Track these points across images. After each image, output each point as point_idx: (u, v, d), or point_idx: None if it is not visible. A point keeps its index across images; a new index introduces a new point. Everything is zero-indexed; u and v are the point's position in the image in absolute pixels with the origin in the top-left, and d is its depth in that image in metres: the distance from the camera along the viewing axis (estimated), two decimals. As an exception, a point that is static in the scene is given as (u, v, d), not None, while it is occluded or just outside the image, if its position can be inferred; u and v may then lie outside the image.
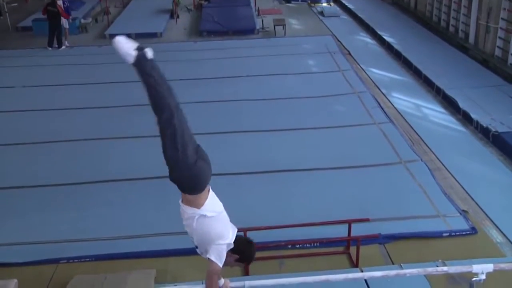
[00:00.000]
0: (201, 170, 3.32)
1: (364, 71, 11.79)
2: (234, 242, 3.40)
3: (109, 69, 12.10)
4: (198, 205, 3.34)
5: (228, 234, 3.37)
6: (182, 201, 3.41)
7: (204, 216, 3.33)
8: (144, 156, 7.82)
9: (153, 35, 15.28)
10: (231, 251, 3.41)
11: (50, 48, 14.02)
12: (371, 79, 11.22)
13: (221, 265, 3.32)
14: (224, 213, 3.46)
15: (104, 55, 13.31)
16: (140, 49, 3.13)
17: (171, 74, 12.97)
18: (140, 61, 3.12)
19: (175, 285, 4.66)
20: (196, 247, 3.49)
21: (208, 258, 3.32)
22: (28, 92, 10.81)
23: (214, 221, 3.35)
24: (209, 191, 3.43)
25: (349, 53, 13.15)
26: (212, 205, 3.38)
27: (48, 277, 5.34)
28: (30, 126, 9.03)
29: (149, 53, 3.15)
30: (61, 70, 12.39)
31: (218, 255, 3.30)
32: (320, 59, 12.65)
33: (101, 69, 12.16)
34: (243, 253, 3.46)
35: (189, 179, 3.29)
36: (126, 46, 3.11)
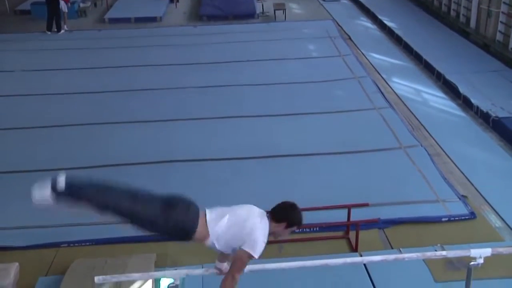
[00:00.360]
0: (176, 219, 3.33)
1: (365, 56, 11.74)
2: (274, 211, 3.39)
3: (109, 54, 12.07)
4: (206, 237, 3.36)
5: (255, 222, 3.35)
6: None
7: (218, 237, 3.34)
8: (144, 141, 7.84)
9: (152, 19, 15.19)
10: (276, 222, 3.38)
11: (49, 32, 13.93)
12: (371, 64, 11.18)
13: (256, 256, 3.30)
14: (236, 212, 3.44)
15: (104, 40, 13.26)
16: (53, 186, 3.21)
17: (171, 59, 13.05)
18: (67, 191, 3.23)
19: (175, 269, 4.68)
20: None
21: (239, 248, 3.31)
22: (27, 76, 10.77)
23: (232, 229, 3.35)
24: (205, 215, 3.41)
25: (350, 38, 13.08)
26: (215, 223, 3.37)
27: (49, 260, 5.38)
28: (29, 111, 9.01)
29: (60, 181, 3.22)
30: (60, 54, 12.33)
31: (252, 245, 3.28)
32: (321, 44, 12.60)
33: (100, 54, 12.11)
34: (288, 217, 3.41)
35: (175, 231, 3.36)
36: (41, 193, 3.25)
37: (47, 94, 9.76)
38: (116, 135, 8.06)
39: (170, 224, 3.32)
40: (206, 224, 3.36)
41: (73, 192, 3.25)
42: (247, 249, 3.28)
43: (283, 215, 3.40)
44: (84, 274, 4.86)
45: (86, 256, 5.31)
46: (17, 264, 4.54)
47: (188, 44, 12.76)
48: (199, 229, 3.34)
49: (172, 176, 6.82)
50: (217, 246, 3.37)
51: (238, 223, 3.35)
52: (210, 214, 3.41)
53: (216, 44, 12.67)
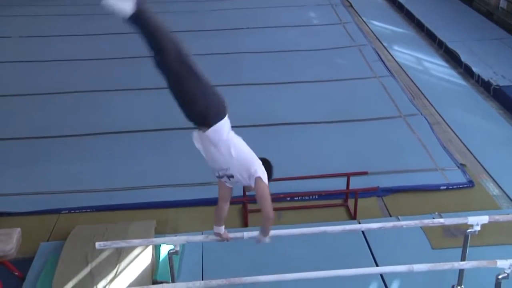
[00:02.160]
0: (218, 92, 3.34)
1: (366, 23, 11.61)
2: None
3: (109, 20, 11.82)
4: (227, 129, 3.31)
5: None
6: (206, 131, 3.32)
7: (238, 137, 3.32)
8: (144, 108, 7.81)
9: (151, -15, 14.93)
10: None
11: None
12: (372, 32, 11.07)
13: (267, 183, 3.26)
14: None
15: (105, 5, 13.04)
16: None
17: (170, 26, 12.77)
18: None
19: (175, 236, 4.73)
20: (229, 178, 3.37)
21: (257, 177, 3.23)
22: (25, 43, 10.66)
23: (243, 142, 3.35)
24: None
25: (351, 5, 12.91)
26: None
27: (50, 226, 5.43)
28: (28, 77, 8.95)
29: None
30: (59, 20, 12.17)
31: (263, 172, 3.26)
32: (321, 11, 12.43)
33: (101, 20, 11.90)
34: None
35: (218, 102, 3.31)
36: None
37: (45, 61, 9.68)
38: (116, 103, 8.02)
39: (212, 88, 3.30)
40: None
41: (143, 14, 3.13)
42: (259, 175, 3.24)
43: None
44: (85, 240, 4.92)
45: (86, 223, 5.36)
46: (19, 229, 4.58)
47: (187, 11, 12.58)
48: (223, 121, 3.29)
49: (171, 143, 6.82)
50: (232, 151, 3.28)
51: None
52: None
53: (215, 11, 12.50)
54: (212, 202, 4.53)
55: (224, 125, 3.30)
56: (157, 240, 4.44)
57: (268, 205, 3.26)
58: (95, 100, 8.13)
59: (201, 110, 3.29)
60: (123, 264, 4.66)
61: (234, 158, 3.28)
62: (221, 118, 3.29)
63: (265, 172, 3.29)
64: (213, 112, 3.29)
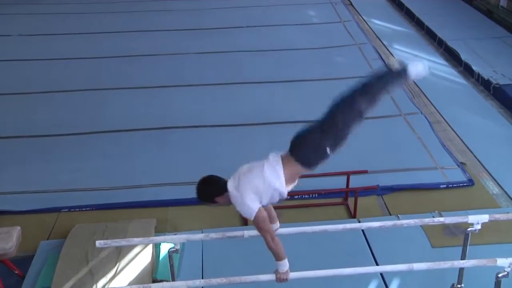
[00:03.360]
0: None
1: (366, 22, 11.60)
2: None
3: (108, 18, 11.92)
4: (290, 180, 3.36)
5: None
6: (281, 167, 3.37)
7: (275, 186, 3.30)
8: (143, 107, 7.81)
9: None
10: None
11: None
12: (372, 31, 11.06)
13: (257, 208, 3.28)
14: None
15: (103, 4, 13.03)
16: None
17: (169, 25, 12.88)
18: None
19: (175, 234, 4.73)
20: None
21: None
22: (25, 41, 10.65)
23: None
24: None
25: (351, 3, 12.90)
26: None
27: (50, 225, 5.43)
28: (27, 76, 8.95)
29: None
30: (59, 18, 12.15)
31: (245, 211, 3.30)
32: (321, 10, 12.42)
33: (100, 18, 11.95)
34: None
35: (321, 159, 3.48)
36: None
37: (44, 59, 9.67)
38: (114, 101, 8.02)
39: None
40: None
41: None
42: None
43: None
44: (85, 239, 4.92)
45: (86, 221, 5.36)
46: (19, 227, 4.58)
47: (187, 9, 12.57)
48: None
49: (170, 142, 6.82)
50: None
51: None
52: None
53: (214, 9, 12.48)
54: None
55: (296, 173, 3.39)
56: (157, 238, 4.42)
57: (263, 234, 3.30)
58: (95, 98, 8.13)
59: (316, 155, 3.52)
60: (123, 262, 4.66)
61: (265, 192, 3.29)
62: (308, 167, 3.43)
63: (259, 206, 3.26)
64: (313, 162, 3.47)
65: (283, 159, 3.37)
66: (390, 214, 5.51)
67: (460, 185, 5.92)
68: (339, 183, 5.69)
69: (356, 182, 5.63)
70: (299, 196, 5.74)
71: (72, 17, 12.17)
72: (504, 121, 7.38)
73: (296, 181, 3.42)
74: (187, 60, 9.44)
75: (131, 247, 4.72)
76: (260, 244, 4.21)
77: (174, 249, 3.71)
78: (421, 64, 3.46)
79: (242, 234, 3.75)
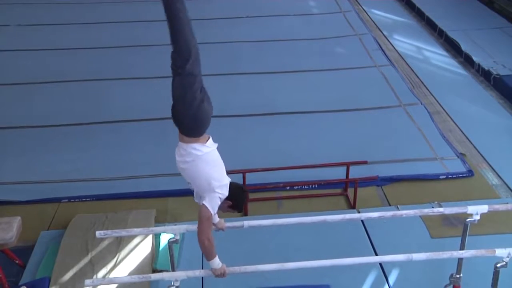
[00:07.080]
0: (204, 113, 3.35)
1: (366, 12, 11.56)
2: (229, 189, 3.36)
3: (108, 8, 11.85)
4: (196, 145, 3.32)
5: (223, 180, 3.33)
6: (180, 140, 3.38)
7: (201, 156, 3.29)
8: (143, 97, 7.79)
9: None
10: (226, 198, 3.38)
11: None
12: (372, 21, 11.02)
13: (213, 212, 3.29)
14: (220, 159, 3.42)
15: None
16: None
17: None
18: None
19: (175, 224, 4.74)
20: (193, 191, 3.46)
21: (202, 204, 3.29)
22: (23, 31, 10.61)
23: (211, 162, 3.33)
24: (208, 137, 3.39)
25: (351, -7, 12.84)
26: (209, 147, 3.35)
27: (50, 215, 5.44)
28: (27, 66, 8.91)
29: None
30: (58, 8, 12.08)
31: (211, 202, 3.27)
32: (321, 0, 12.36)
33: (100, 8, 11.88)
34: (236, 199, 3.43)
35: (192, 119, 3.32)
36: None
37: (44, 49, 9.63)
38: (114, 92, 8.00)
39: (197, 105, 3.38)
40: (205, 141, 3.35)
41: None
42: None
43: (233, 196, 3.43)
44: (85, 229, 4.93)
45: (86, 212, 5.37)
46: (19, 218, 4.59)
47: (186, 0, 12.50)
48: (202, 138, 3.37)
49: (170, 132, 6.79)
50: (191, 167, 3.33)
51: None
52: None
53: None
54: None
55: (193, 141, 3.33)
56: (157, 229, 4.45)
57: (200, 232, 3.28)
58: (94, 89, 8.11)
59: (177, 117, 3.44)
60: (123, 252, 4.67)
61: (193, 174, 3.34)
62: (191, 135, 3.33)
63: (216, 203, 3.28)
64: (185, 126, 3.39)
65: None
66: (390, 205, 5.53)
67: (460, 175, 5.93)
68: (338, 173, 5.70)
69: (356, 172, 5.64)
70: (299, 187, 5.75)
71: (71, 7, 12.09)
72: (504, 111, 7.38)
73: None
74: (186, 50, 9.38)
75: (131, 237, 4.74)
76: (259, 234, 4.23)
77: (174, 240, 3.72)
78: None
79: (242, 225, 3.76)
